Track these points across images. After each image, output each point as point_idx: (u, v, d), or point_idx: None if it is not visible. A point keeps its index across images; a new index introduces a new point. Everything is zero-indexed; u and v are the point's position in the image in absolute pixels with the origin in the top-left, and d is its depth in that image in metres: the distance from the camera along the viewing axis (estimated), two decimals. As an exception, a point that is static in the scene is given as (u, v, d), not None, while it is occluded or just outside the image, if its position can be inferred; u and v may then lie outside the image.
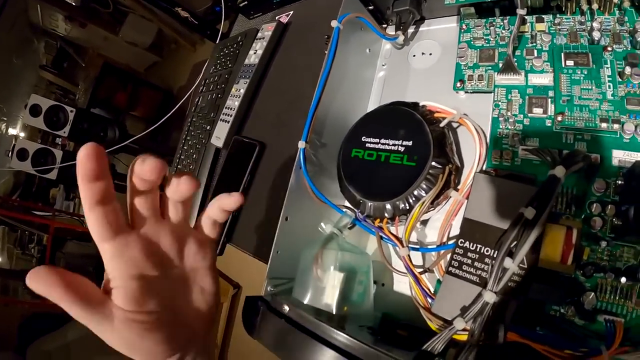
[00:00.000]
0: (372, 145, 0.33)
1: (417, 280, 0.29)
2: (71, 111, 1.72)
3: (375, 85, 0.47)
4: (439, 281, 0.32)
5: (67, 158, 1.71)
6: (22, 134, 2.11)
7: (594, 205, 0.28)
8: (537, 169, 0.31)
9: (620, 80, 0.31)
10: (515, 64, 0.34)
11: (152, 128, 1.75)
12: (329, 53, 0.38)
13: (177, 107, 1.37)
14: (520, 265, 0.25)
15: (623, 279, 0.25)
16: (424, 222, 0.35)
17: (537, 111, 0.33)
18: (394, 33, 0.44)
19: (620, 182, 0.28)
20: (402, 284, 0.35)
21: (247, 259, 0.63)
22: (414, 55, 0.45)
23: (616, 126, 0.30)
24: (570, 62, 0.33)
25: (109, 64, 2.54)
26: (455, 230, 0.33)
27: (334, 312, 0.31)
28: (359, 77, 0.45)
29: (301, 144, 0.35)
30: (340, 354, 0.24)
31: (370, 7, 0.44)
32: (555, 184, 0.25)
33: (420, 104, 0.33)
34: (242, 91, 0.70)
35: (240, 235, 0.65)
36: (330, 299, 0.31)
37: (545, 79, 0.34)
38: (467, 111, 0.37)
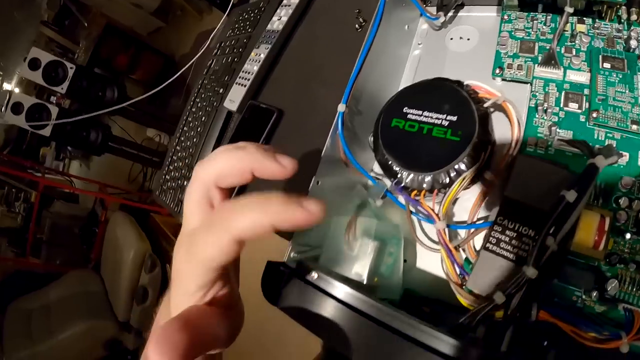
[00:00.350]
0: (414, 117, 0.33)
1: (452, 255, 0.30)
2: (71, 68, 1.66)
3: (409, 63, 0.47)
4: (467, 260, 0.32)
5: (62, 115, 1.66)
6: (17, 90, 2.05)
7: (622, 199, 0.29)
8: (569, 160, 0.32)
9: (652, 88, 0.32)
10: (557, 58, 0.35)
11: (152, 92, 1.71)
12: (373, 22, 0.38)
13: (179, 73, 1.34)
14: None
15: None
16: (453, 202, 0.35)
17: (573, 106, 0.34)
18: (435, 13, 0.43)
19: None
20: (426, 261, 0.36)
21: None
22: (452, 39, 0.45)
23: (646, 130, 0.30)
24: (607, 65, 0.34)
25: (111, 25, 2.46)
26: (484, 212, 0.34)
27: (365, 282, 0.31)
28: (395, 52, 0.45)
29: (341, 107, 0.35)
30: (376, 324, 0.24)
31: (414, -16, 0.43)
32: (594, 171, 0.26)
33: (465, 83, 0.33)
34: (263, 56, 0.69)
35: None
36: (361, 268, 0.32)
37: (583, 77, 0.35)
38: (506, 96, 0.38)
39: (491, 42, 0.40)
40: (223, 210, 0.20)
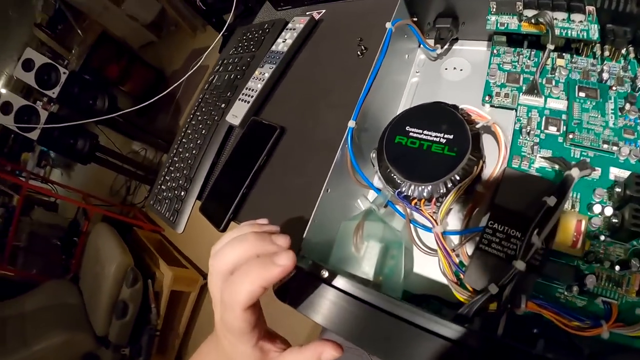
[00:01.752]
0: (415, 135, 0.38)
1: (449, 255, 0.34)
2: (64, 73, 1.66)
3: (407, 89, 0.52)
4: (461, 262, 0.36)
5: (51, 120, 1.65)
6: (3, 90, 2.02)
7: (595, 206, 0.34)
8: (550, 175, 0.37)
9: (620, 114, 0.38)
10: (539, 88, 0.40)
11: (143, 105, 1.73)
12: (381, 50, 0.43)
13: (170, 89, 1.37)
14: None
15: (617, 267, 0.30)
16: (448, 212, 0.40)
17: (552, 129, 0.39)
18: (433, 45, 0.49)
19: (618, 189, 0.34)
20: (421, 266, 0.40)
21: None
22: (446, 69, 0.51)
23: (615, 148, 0.36)
24: (582, 94, 0.39)
25: (106, 33, 2.48)
26: (475, 221, 0.39)
27: (371, 280, 0.34)
28: (396, 78, 0.50)
29: (351, 123, 0.39)
30: (391, 316, 0.27)
31: (415, 19, 0.49)
32: (571, 181, 0.31)
33: (460, 106, 0.38)
34: (267, 75, 0.73)
35: (247, 214, 0.67)
36: (368, 267, 0.35)
37: (561, 105, 0.40)
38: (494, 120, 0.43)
39: (482, 73, 0.46)
40: (225, 292, 0.28)
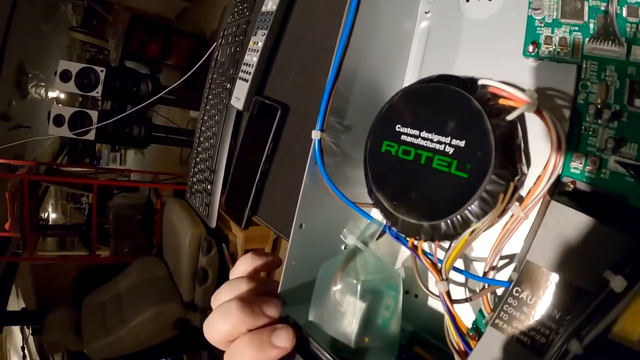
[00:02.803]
0: (409, 139, 0.25)
1: (455, 324, 0.23)
2: (101, 71, 1.70)
3: (417, 42, 0.37)
4: (481, 312, 0.25)
5: (102, 117, 1.73)
6: (62, 95, 2.17)
7: None
8: (631, 188, 0.22)
9: None
10: (616, 27, 0.23)
11: (184, 78, 1.72)
12: None
13: (207, 54, 1.31)
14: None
15: None
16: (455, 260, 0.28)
17: (642, 102, 0.23)
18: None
19: None
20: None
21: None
22: (468, 0, 0.34)
23: None
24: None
25: (137, 16, 2.47)
26: (508, 249, 0.26)
27: (352, 346, 0.26)
28: (395, 29, 0.35)
29: (315, 134, 0.28)
30: None
31: None
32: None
33: (479, 83, 0.24)
34: (260, 44, 0.61)
35: (265, 207, 0.61)
36: (350, 328, 0.26)
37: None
38: (543, 84, 0.28)
39: (521, 2, 0.29)
40: None
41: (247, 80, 0.64)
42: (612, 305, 0.16)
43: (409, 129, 0.25)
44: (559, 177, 0.24)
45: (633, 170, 0.20)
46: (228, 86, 0.73)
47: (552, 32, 0.27)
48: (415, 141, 0.25)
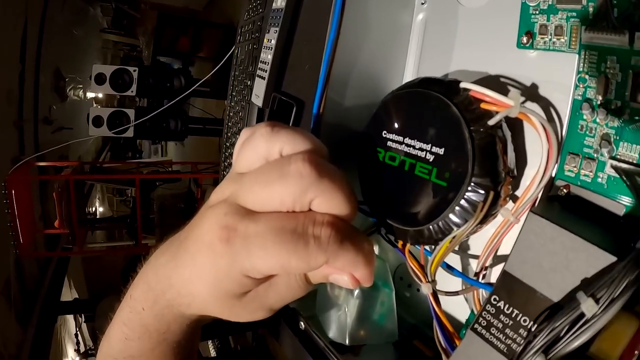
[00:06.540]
0: (394, 145, 0.25)
1: (441, 325, 0.23)
2: (134, 70, 1.79)
3: (414, 36, 0.36)
4: (472, 312, 0.26)
5: (139, 114, 1.83)
6: (100, 95, 2.31)
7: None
8: (629, 195, 0.20)
9: None
10: (615, 14, 0.21)
11: (214, 70, 1.76)
12: None
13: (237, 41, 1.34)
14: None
15: None
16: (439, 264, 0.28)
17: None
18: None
19: None
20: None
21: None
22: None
23: None
24: None
25: (163, 13, 2.55)
26: (504, 250, 0.26)
27: (347, 343, 0.28)
28: (391, 22, 0.35)
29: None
30: None
31: None
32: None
33: (461, 86, 0.23)
34: (274, 42, 0.62)
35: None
36: (346, 319, 0.28)
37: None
38: (539, 78, 0.26)
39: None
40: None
41: (264, 78, 0.65)
42: (581, 327, 0.16)
43: (393, 135, 0.26)
44: (552, 181, 0.24)
45: (627, 178, 0.19)
46: (249, 83, 0.74)
47: (548, 20, 0.26)
48: (400, 147, 0.25)
